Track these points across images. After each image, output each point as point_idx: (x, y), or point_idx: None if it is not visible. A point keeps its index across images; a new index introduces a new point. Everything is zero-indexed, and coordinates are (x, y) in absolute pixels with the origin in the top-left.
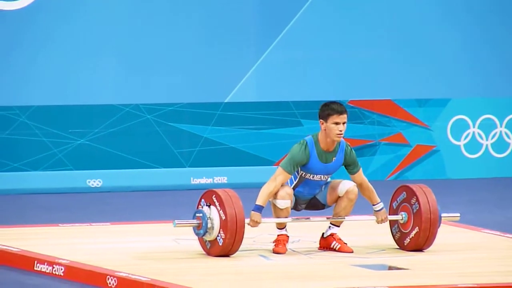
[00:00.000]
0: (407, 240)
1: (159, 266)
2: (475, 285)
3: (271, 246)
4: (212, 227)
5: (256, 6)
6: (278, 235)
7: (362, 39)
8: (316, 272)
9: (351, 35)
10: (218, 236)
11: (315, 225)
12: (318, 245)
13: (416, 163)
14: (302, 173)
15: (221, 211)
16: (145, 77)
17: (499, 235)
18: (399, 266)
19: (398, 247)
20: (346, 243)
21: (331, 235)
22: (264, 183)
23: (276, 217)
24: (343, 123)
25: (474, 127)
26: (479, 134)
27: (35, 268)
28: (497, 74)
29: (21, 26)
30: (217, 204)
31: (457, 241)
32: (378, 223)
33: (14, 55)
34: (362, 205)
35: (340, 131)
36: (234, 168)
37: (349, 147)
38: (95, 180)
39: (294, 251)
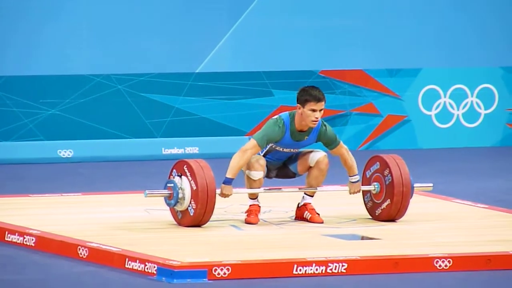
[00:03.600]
0: (379, 211)
1: (130, 236)
2: (447, 255)
3: (243, 216)
4: (183, 197)
5: None
6: (250, 205)
7: (333, 9)
8: (287, 242)
9: (323, 4)
10: (189, 206)
11: (287, 196)
12: (290, 215)
13: (387, 133)
14: (272, 145)
15: (192, 182)
16: (116, 47)
17: (470, 205)
18: (370, 236)
19: (370, 216)
20: (318, 214)
21: (304, 205)
22: (235, 153)
23: (249, 187)
24: (320, 110)
25: (445, 97)
26: (450, 104)
27: (5, 239)
28: (468, 44)
29: None
30: (188, 174)
31: (429, 211)
32: (350, 193)
33: None
34: (336, 175)
35: (316, 118)
36: (205, 138)
37: (324, 127)
38: (66, 150)
39: (265, 221)
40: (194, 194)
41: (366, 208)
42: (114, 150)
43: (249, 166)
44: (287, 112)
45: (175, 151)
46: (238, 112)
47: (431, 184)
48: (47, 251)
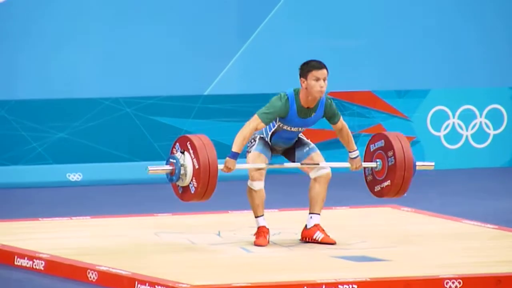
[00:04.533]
0: (378, 188)
1: (140, 259)
2: (457, 276)
3: (252, 238)
4: (185, 174)
5: None
6: (258, 228)
7: (341, 30)
8: (297, 264)
9: (331, 26)
10: (190, 183)
11: (296, 218)
12: (299, 237)
13: None
14: (279, 124)
15: (194, 160)
16: (125, 70)
17: (480, 225)
18: (380, 257)
19: (368, 189)
20: (329, 235)
21: (315, 225)
22: (246, 176)
23: (251, 200)
24: (324, 79)
25: (454, 117)
26: (459, 124)
27: (15, 263)
28: (476, 64)
29: (0, 20)
30: (191, 152)
31: (438, 232)
32: (352, 170)
33: None
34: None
35: (321, 87)
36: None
37: (329, 100)
38: (75, 173)
39: (275, 243)
40: (196, 173)
41: (366, 181)
42: (123, 173)
43: (250, 176)
44: (292, 88)
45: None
46: None
47: (432, 163)
48: (56, 275)
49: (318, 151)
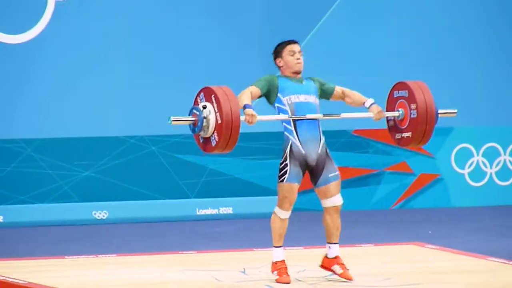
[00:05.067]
0: (399, 136)
1: None
2: None
3: (277, 276)
4: (208, 126)
5: (261, 21)
6: (278, 262)
7: (364, 67)
8: None
9: (355, 62)
10: (212, 136)
11: (321, 255)
12: (324, 275)
13: (420, 191)
14: (286, 100)
15: (218, 114)
16: (149, 109)
17: (505, 262)
18: None
19: (390, 135)
20: (348, 269)
21: (336, 257)
22: (270, 213)
23: (275, 229)
24: (299, 52)
25: (478, 155)
26: (483, 162)
27: None
28: (501, 102)
29: (24, 59)
30: (215, 105)
31: (462, 269)
32: (376, 119)
33: (19, 89)
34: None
35: (298, 59)
36: (239, 198)
37: (312, 77)
38: (100, 211)
39: (299, 280)
40: (218, 128)
41: (387, 125)
42: (148, 211)
43: (280, 204)
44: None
45: (209, 211)
46: (271, 171)
47: (455, 110)
48: None
49: (339, 181)
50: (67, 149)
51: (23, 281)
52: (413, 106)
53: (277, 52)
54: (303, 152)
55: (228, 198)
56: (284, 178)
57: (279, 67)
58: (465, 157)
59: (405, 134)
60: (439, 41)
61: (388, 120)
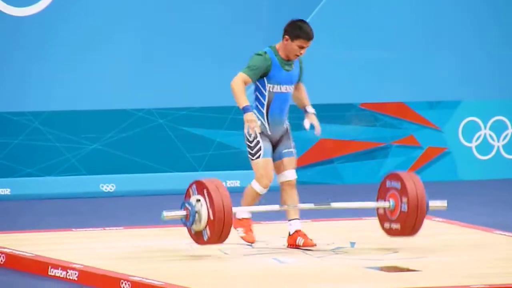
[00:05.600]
0: (387, 226)
1: (173, 270)
2: (488, 286)
3: (284, 249)
4: (200, 221)
5: (268, 8)
6: (243, 220)
7: (373, 41)
8: (329, 275)
9: (362, 37)
10: (204, 231)
11: (329, 228)
12: (332, 248)
13: (428, 165)
14: (269, 87)
15: (210, 210)
16: (157, 81)
17: (511, 236)
18: (411, 268)
19: (379, 224)
20: (311, 239)
21: (296, 231)
22: (275, 186)
23: (246, 199)
24: (305, 49)
25: (485, 128)
26: (490, 135)
27: (49, 273)
28: (508, 75)
29: (32, 32)
30: (207, 201)
31: (469, 242)
32: (316, 134)
33: (25, 60)
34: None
35: (301, 54)
36: (246, 171)
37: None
38: (108, 184)
39: (306, 254)
40: (210, 224)
41: (377, 214)
42: (156, 184)
43: (259, 181)
44: (268, 46)
45: None
46: None
47: (445, 204)
48: (90, 285)
49: (293, 157)
50: (75, 122)
51: (30, 253)
52: (404, 199)
53: (292, 34)
54: (269, 133)
55: (235, 171)
56: (259, 154)
57: (282, 42)
58: (472, 130)
59: (394, 226)
60: (443, 13)
61: (377, 208)
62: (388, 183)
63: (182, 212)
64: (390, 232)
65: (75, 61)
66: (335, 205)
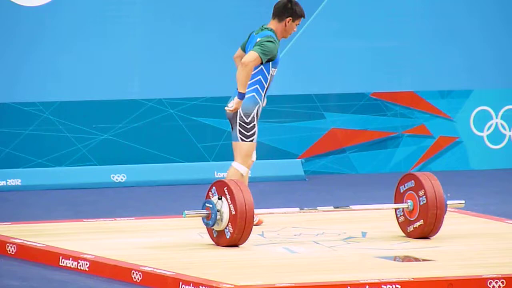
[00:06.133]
0: (411, 228)
1: (184, 260)
2: (500, 276)
3: (296, 239)
4: (221, 219)
5: None
6: None
7: (384, 30)
8: (341, 264)
9: (373, 27)
10: (226, 228)
11: (339, 218)
12: (343, 238)
13: (439, 154)
14: (272, 71)
15: (231, 206)
16: (168, 71)
17: None
18: (423, 258)
19: (401, 231)
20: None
21: None
22: (289, 176)
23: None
24: None
25: (497, 118)
26: (502, 125)
27: (60, 264)
28: None
29: (42, 22)
30: (228, 197)
31: (481, 232)
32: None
33: (37, 51)
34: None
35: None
36: (257, 161)
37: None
38: (119, 175)
39: (318, 243)
40: (232, 219)
41: (398, 222)
42: (167, 174)
43: (243, 161)
44: (267, 31)
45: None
46: (290, 135)
47: (463, 201)
48: (101, 275)
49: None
50: (85, 112)
51: (41, 244)
52: (421, 192)
53: (295, 14)
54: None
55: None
56: (253, 138)
57: (280, 24)
58: (484, 119)
59: (417, 223)
60: (454, 2)
61: (398, 217)
62: (402, 188)
63: (204, 212)
64: (415, 232)
65: (86, 51)
66: (354, 207)
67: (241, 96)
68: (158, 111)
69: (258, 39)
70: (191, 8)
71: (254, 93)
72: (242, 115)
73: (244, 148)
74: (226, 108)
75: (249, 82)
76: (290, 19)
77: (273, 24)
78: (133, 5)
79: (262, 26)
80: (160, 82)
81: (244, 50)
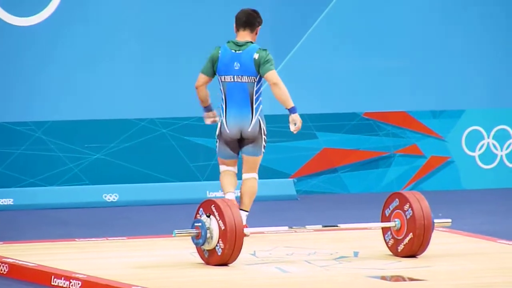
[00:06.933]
0: (401, 247)
1: (176, 279)
2: None
3: (288, 258)
4: (211, 237)
5: (270, 18)
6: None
7: (375, 51)
8: (333, 284)
9: (365, 46)
10: (217, 245)
11: (332, 238)
12: (335, 257)
13: (431, 174)
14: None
15: (220, 221)
16: (160, 91)
17: None
18: (415, 277)
19: (390, 253)
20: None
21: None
22: (281, 195)
23: (253, 196)
24: None
25: (488, 137)
26: (493, 144)
27: (52, 283)
28: (511, 84)
29: (34, 40)
30: (216, 214)
31: (473, 251)
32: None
33: (28, 70)
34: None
35: None
36: None
37: None
38: (111, 194)
39: (310, 263)
40: (222, 234)
41: (388, 247)
42: (159, 194)
43: (256, 170)
44: (253, 45)
45: (219, 194)
46: (282, 154)
47: (449, 220)
48: None
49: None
50: (77, 132)
51: (33, 263)
52: (406, 206)
53: (261, 22)
54: None
55: (238, 181)
56: (264, 151)
57: (253, 34)
58: (475, 139)
59: (406, 239)
60: (446, 22)
61: (387, 241)
62: (387, 212)
63: (194, 231)
64: (405, 249)
65: (77, 71)
66: (342, 226)
67: (294, 110)
68: (150, 130)
69: (256, 55)
70: (183, 30)
71: (258, 115)
72: (264, 129)
73: (258, 161)
74: (293, 130)
75: (256, 97)
76: (259, 28)
77: (247, 35)
78: (125, 27)
79: (236, 41)
80: (152, 102)
81: (212, 74)
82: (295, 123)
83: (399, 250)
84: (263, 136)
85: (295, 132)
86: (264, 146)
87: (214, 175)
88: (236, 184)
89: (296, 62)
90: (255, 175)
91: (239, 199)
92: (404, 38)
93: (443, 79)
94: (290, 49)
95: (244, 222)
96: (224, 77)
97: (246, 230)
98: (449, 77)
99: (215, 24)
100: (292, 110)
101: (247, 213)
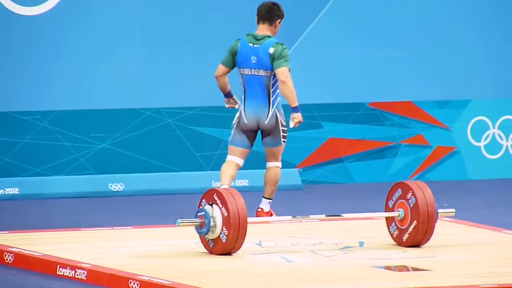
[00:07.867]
0: (406, 236)
1: (181, 269)
2: (496, 285)
3: (293, 248)
4: (215, 225)
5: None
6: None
7: (382, 40)
8: (337, 274)
9: (371, 36)
10: (221, 233)
11: (337, 228)
12: (341, 247)
13: (436, 164)
14: None
15: (223, 208)
16: (166, 81)
17: None
18: (420, 267)
19: (395, 243)
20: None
21: (261, 209)
22: (286, 185)
23: (276, 184)
24: None
25: (494, 128)
26: (499, 135)
27: (57, 273)
28: None
29: (40, 30)
30: (218, 202)
31: (478, 241)
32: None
33: (34, 60)
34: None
35: None
36: (255, 171)
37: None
38: (116, 184)
39: (315, 253)
40: (226, 221)
41: (393, 238)
42: (165, 183)
43: (279, 158)
44: (271, 39)
45: None
46: (288, 144)
47: (453, 210)
48: (98, 284)
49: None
50: (83, 122)
51: (38, 253)
52: (409, 195)
53: (282, 16)
54: None
55: (243, 171)
56: (285, 140)
57: (272, 27)
58: (481, 129)
59: (411, 227)
60: (452, 13)
61: (391, 233)
62: (390, 203)
63: (197, 220)
64: (410, 237)
65: (84, 61)
66: (346, 215)
67: (297, 109)
68: (156, 120)
69: (272, 50)
70: (189, 19)
71: (276, 105)
72: (281, 120)
73: (281, 149)
74: (291, 126)
75: (273, 90)
76: (279, 21)
77: (266, 29)
78: (132, 16)
79: (255, 35)
80: (158, 91)
81: (231, 65)
82: (294, 118)
83: (404, 240)
84: (281, 128)
85: (296, 126)
86: (283, 136)
87: (220, 165)
88: (234, 177)
89: (302, 51)
90: (278, 164)
91: (263, 188)
92: (410, 28)
93: (449, 70)
94: (296, 39)
95: (267, 209)
96: (243, 70)
97: (271, 218)
98: (455, 68)
99: (220, 13)
100: (295, 109)
101: (270, 200)
